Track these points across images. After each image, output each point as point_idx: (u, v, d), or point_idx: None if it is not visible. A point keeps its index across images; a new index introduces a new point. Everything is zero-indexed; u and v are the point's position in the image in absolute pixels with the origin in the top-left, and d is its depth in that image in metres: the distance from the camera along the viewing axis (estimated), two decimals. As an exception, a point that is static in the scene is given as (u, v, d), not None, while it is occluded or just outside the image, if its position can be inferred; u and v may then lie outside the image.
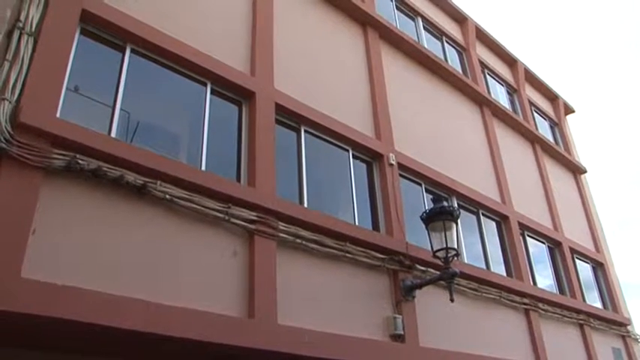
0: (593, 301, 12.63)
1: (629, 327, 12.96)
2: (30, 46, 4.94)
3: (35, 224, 4.41)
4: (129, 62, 5.91)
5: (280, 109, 7.05)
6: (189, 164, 5.91)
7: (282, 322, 5.65)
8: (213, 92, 6.60)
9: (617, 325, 12.53)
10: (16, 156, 4.44)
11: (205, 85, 6.54)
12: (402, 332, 6.89)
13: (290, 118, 7.28)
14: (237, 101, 6.83)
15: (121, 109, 5.64)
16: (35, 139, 4.61)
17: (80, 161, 4.77)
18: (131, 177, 5.06)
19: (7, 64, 4.72)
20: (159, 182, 5.24)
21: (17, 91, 4.71)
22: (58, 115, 4.96)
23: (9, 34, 4.86)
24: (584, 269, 13.14)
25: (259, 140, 6.49)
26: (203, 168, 5.99)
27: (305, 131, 7.42)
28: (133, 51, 5.99)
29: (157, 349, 5.23)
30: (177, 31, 6.33)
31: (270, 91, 7.00)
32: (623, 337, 12.58)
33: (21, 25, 4.94)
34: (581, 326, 11.11)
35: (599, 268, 13.73)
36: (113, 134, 5.42)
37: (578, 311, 11.15)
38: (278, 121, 7.02)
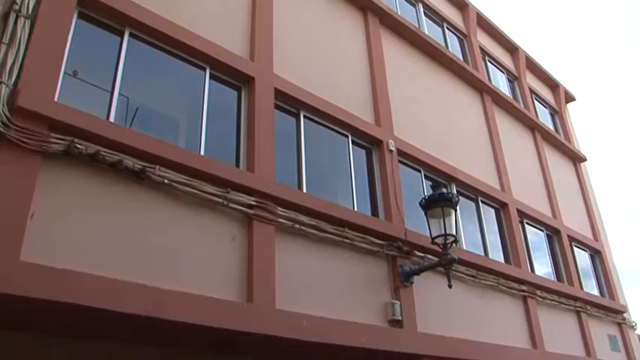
0: (591, 288, 12.69)
1: (625, 314, 13.04)
2: (27, 29, 4.90)
3: (34, 208, 4.40)
4: (127, 47, 5.86)
5: (279, 95, 7.02)
6: (188, 149, 5.89)
7: (280, 307, 5.67)
8: (212, 77, 6.56)
9: (614, 313, 12.61)
10: (14, 140, 4.42)
11: (204, 69, 6.51)
12: (400, 318, 6.91)
13: (289, 103, 7.25)
14: (237, 86, 6.80)
15: (120, 94, 5.61)
16: (33, 123, 4.58)
17: (78, 146, 4.75)
18: (130, 162, 5.05)
19: (3, 47, 4.68)
20: (157, 167, 5.23)
21: (14, 75, 4.67)
22: (56, 99, 4.93)
23: (5, 17, 4.82)
24: (582, 257, 13.19)
25: (258, 125, 6.47)
26: (202, 153, 5.97)
27: (304, 117, 7.39)
28: (131, 35, 5.94)
29: (154, 333, 5.25)
30: (176, 15, 6.28)
31: (269, 77, 6.96)
32: (619, 324, 12.67)
33: (17, 7, 4.89)
34: (578, 313, 11.18)
35: (597, 255, 13.79)
36: (112, 119, 5.40)
37: (576, 298, 11.21)
38: (277, 107, 7.00)
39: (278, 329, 5.50)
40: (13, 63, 4.69)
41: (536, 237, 11.70)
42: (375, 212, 7.74)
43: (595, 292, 12.81)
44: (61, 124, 4.75)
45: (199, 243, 5.40)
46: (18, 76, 4.69)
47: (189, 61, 6.41)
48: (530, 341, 9.36)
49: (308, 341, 5.76)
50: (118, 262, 4.73)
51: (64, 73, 5.18)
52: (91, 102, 5.48)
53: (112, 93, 5.56)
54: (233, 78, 6.76)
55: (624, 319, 12.92)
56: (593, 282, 13.22)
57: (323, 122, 7.66)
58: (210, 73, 6.54)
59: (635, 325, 13.38)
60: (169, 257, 5.10)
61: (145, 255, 4.94)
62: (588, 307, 11.53)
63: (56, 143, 4.67)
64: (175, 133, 6.42)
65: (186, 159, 5.51)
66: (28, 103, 4.59)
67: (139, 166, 5.10)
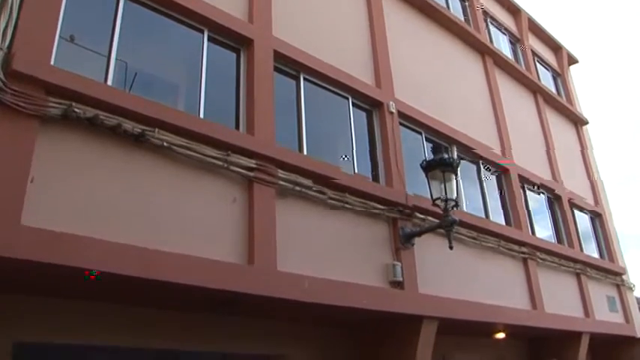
0: (591, 251, 12.76)
1: (623, 276, 13.17)
2: (19, -9, 4.79)
3: (33, 172, 4.37)
4: (123, 9, 5.74)
5: (279, 57, 6.93)
6: (187, 112, 5.83)
7: (281, 269, 5.70)
8: (210, 39, 6.46)
9: (613, 275, 12.73)
10: (10, 104, 4.37)
11: (202, 32, 6.40)
12: (401, 279, 6.96)
13: (289, 65, 7.16)
14: (236, 49, 6.71)
15: (118, 59, 5.52)
16: (29, 86, 4.52)
17: (76, 109, 4.70)
18: (129, 125, 5.00)
19: (-5, 9, 4.58)
20: (157, 130, 5.18)
21: (8, 38, 4.57)
22: (52, 62, 4.86)
23: (-3, -23, 4.71)
24: (583, 220, 13.23)
25: (258, 88, 6.40)
26: (201, 116, 5.92)
27: (304, 79, 7.32)
28: (127, -4, 5.83)
29: (155, 295, 5.30)
30: (172, -24, 6.15)
31: (268, 39, 6.86)
32: (617, 285, 12.80)
33: (9, -33, 4.77)
34: (577, 275, 11.28)
35: (597, 218, 13.84)
36: (109, 83, 5.33)
37: (575, 261, 11.28)
38: (277, 69, 6.92)
39: (279, 291, 5.54)
40: (7, 26, 4.59)
41: (537, 201, 11.70)
42: (375, 174, 7.73)
43: (595, 254, 12.89)
44: (58, 88, 4.69)
45: (200, 206, 5.39)
46: (12, 40, 4.60)
47: (187, 24, 6.30)
48: (530, 302, 9.46)
49: (309, 302, 5.81)
50: (118, 225, 4.73)
51: (60, 37, 5.08)
52: (87, 66, 5.40)
53: (108, 57, 5.47)
54: (232, 40, 6.66)
55: (623, 280, 13.05)
56: (594, 245, 13.30)
57: (323, 84, 7.58)
58: (209, 36, 6.44)
59: (634, 286, 13.51)
60: (170, 220, 5.10)
61: (145, 218, 4.94)
62: (588, 269, 11.62)
63: (54, 107, 4.62)
64: (175, 96, 6.37)
65: (185, 122, 5.46)
66: (24, 66, 4.52)
67: (138, 130, 5.05)
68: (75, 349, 5.10)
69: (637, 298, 13.73)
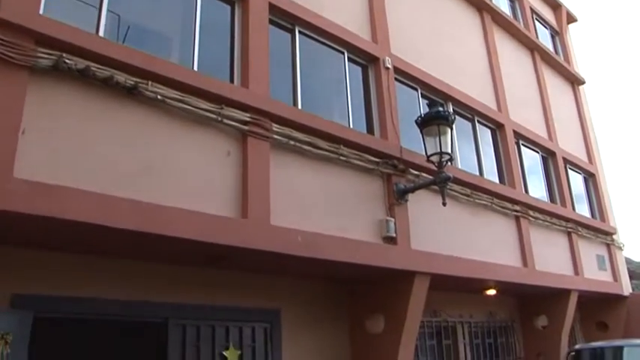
0: (583, 211, 12.87)
1: (614, 236, 13.33)
2: None
3: (24, 124, 4.30)
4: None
5: (274, 9, 6.78)
6: (181, 65, 5.73)
7: (275, 223, 5.71)
8: (203, -9, 6.32)
9: (603, 234, 12.88)
10: (-2, 54, 4.28)
11: (196, -17, 6.25)
12: (394, 235, 7.01)
13: (284, 18, 7.02)
14: (230, 1, 6.56)
15: (109, 11, 5.38)
16: (18, 36, 4.39)
17: (67, 61, 4.60)
18: (121, 77, 4.91)
19: (-21, -45, 4.42)
20: (150, 83, 5.10)
21: (-9, -15, 4.45)
22: (41, 11, 4.74)
23: None
24: (576, 181, 13.30)
25: (252, 41, 6.29)
26: (195, 69, 5.83)
27: (300, 32, 7.18)
28: (117, -55, 5.65)
29: (149, 249, 5.31)
30: None
31: (263, -10, 6.71)
32: (607, 245, 12.97)
33: None
34: (569, 234, 11.40)
35: (591, 178, 13.91)
36: (101, 34, 5.20)
37: (567, 219, 11.39)
38: (272, 22, 6.78)
39: (272, 245, 5.57)
40: (-8, -28, 4.45)
41: (531, 161, 11.72)
42: (370, 130, 7.68)
43: (586, 213, 13.00)
44: (47, 38, 4.57)
45: (194, 159, 5.36)
46: (-2, -12, 4.47)
47: (180, -26, 6.16)
48: (521, 260, 9.58)
49: (302, 257, 5.85)
50: (111, 178, 4.69)
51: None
52: (78, 18, 5.26)
53: (100, 8, 5.33)
54: (226, -8, 6.51)
55: (613, 240, 13.22)
56: (586, 204, 13.41)
57: (318, 38, 7.45)
58: (202, -13, 6.29)
59: (623, 246, 13.70)
60: (164, 173, 5.07)
61: (139, 171, 4.90)
62: (579, 228, 11.75)
63: (44, 58, 4.51)
64: (168, 50, 6.25)
65: (179, 74, 5.37)
66: (11, 15, 4.38)
67: (131, 82, 4.97)
68: (69, 300, 5.15)
69: (626, 258, 13.95)
